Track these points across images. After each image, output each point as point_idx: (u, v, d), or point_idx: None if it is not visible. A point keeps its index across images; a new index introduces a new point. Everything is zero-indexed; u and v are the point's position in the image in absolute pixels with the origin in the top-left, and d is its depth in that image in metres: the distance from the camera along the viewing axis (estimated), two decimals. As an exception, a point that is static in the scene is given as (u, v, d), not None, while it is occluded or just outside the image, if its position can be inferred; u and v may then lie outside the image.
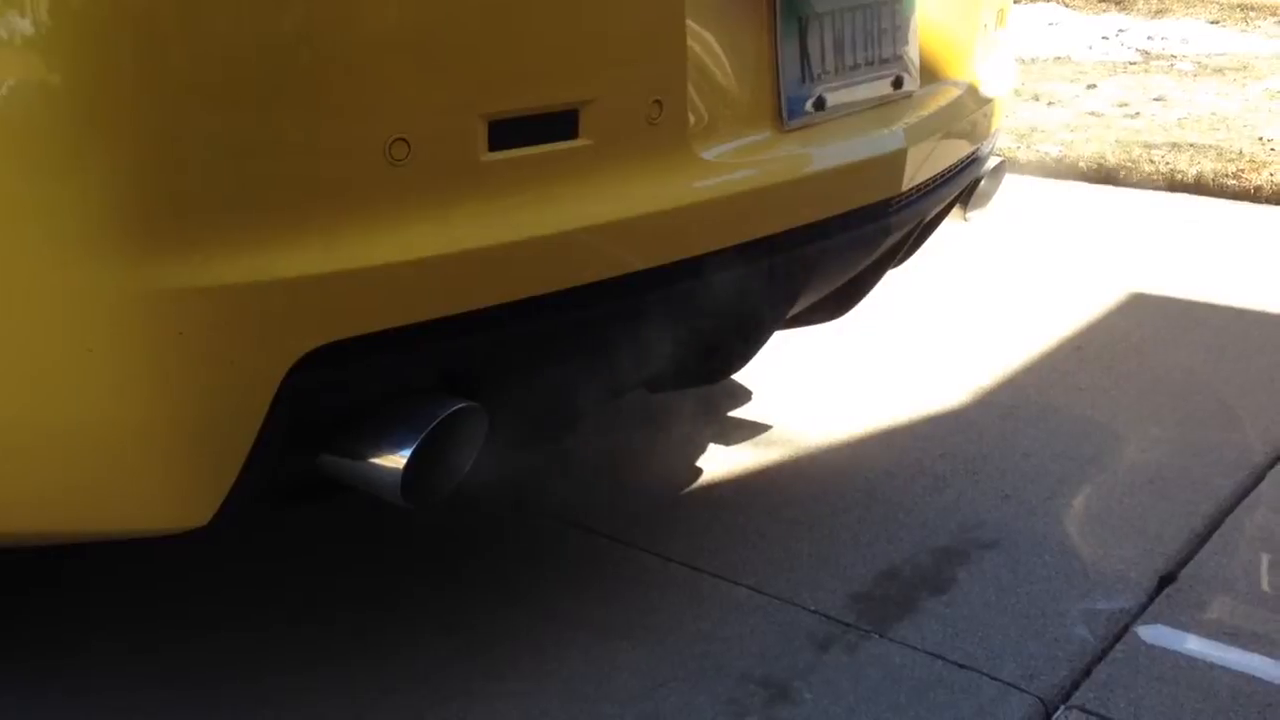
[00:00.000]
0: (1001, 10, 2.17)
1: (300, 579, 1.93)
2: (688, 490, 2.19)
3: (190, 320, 1.19)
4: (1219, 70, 5.98)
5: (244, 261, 1.19)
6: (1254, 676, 1.66)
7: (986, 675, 1.67)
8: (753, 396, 2.54)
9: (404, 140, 1.24)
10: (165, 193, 1.16)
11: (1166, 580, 1.88)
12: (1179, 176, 4.07)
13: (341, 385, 1.31)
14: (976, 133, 2.04)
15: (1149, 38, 6.85)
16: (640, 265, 1.45)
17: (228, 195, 1.18)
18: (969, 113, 1.99)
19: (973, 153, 2.06)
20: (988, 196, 2.25)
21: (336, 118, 1.22)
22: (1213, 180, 4.00)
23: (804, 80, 1.65)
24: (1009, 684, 1.65)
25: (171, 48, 1.14)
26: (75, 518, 1.35)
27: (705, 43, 1.50)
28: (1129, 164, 4.21)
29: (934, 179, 1.91)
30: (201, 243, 1.18)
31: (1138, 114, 5.07)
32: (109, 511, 1.33)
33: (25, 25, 1.13)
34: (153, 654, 1.75)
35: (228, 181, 1.18)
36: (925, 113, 1.86)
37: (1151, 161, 4.22)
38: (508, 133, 1.31)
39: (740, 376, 2.59)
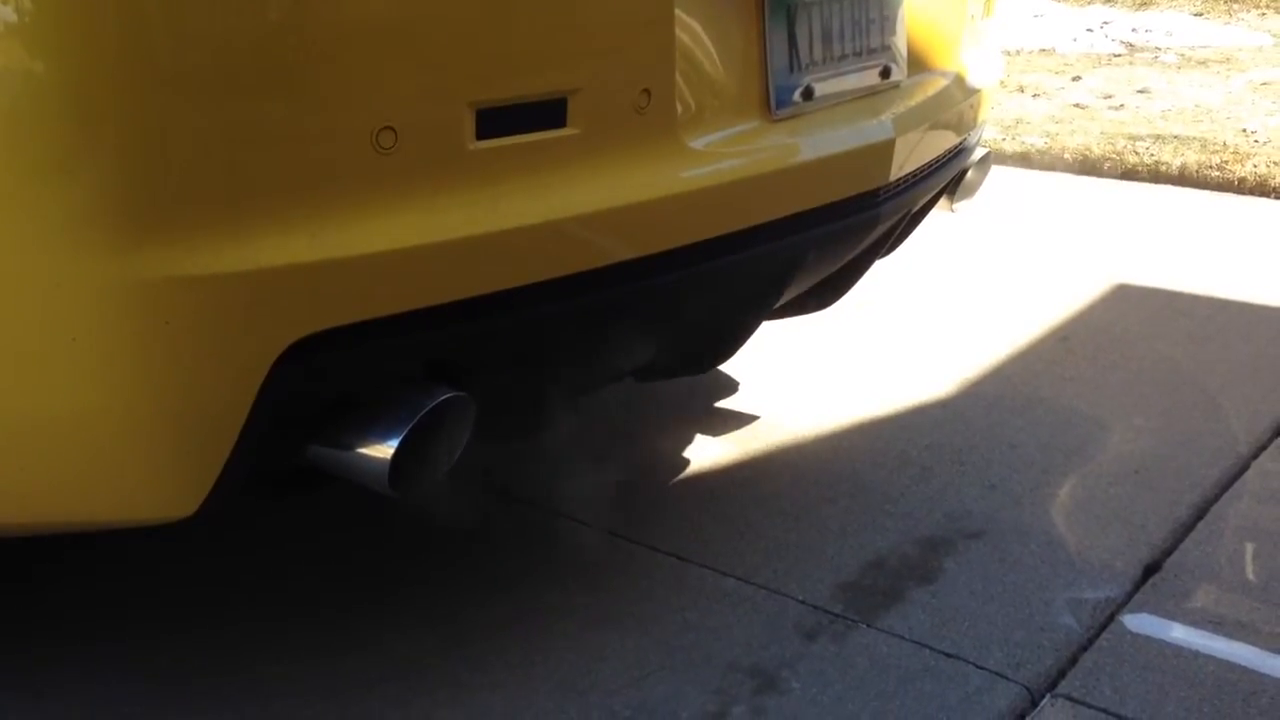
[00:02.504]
0: (989, 1, 2.17)
1: (286, 572, 1.93)
2: (675, 481, 2.19)
3: (176, 310, 1.18)
4: (1203, 62, 6.00)
5: (230, 250, 1.18)
6: (1238, 664, 1.67)
7: (973, 664, 1.68)
8: (740, 387, 2.54)
9: (391, 129, 1.24)
10: (151, 181, 1.15)
11: (1152, 569, 1.89)
12: (1163, 168, 4.08)
13: (328, 375, 1.31)
14: (963, 123, 2.04)
15: (1133, 30, 6.87)
16: (628, 254, 1.45)
17: (214, 184, 1.17)
18: (956, 103, 1.99)
19: (959, 143, 2.06)
20: (974, 187, 2.25)
21: (323, 106, 1.21)
22: (1196, 172, 4.02)
23: (792, 70, 1.65)
24: (995, 673, 1.66)
25: (157, 36, 1.13)
26: (60, 509, 1.34)
27: (693, 32, 1.50)
28: (1113, 156, 4.22)
29: (921, 169, 1.91)
30: (187, 231, 1.17)
31: (1122, 106, 5.09)
32: (94, 502, 1.32)
33: (8, 13, 1.12)
34: (140, 647, 1.74)
35: (214, 170, 1.17)
36: (913, 103, 1.86)
37: (1136, 153, 4.24)
38: (495, 121, 1.30)
39: (727, 367, 2.59)
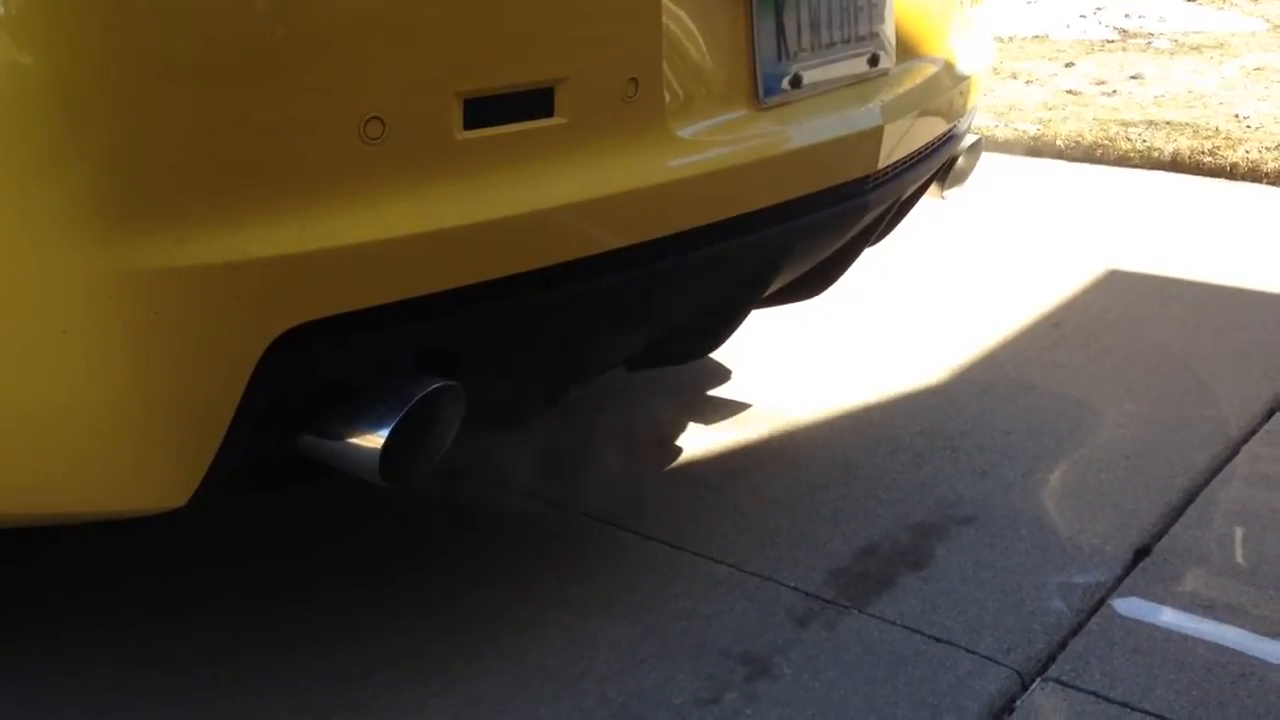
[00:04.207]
0: (977, -13, 2.17)
1: (281, 562, 1.93)
2: (667, 469, 2.19)
3: (166, 300, 1.18)
4: (1196, 48, 6.00)
5: (219, 241, 1.19)
6: (1227, 647, 1.68)
7: (964, 649, 1.68)
8: (731, 375, 2.54)
9: (379, 119, 1.24)
10: (139, 173, 1.15)
11: (1142, 553, 1.90)
12: (1155, 154, 4.08)
13: (318, 365, 1.31)
14: (953, 110, 2.04)
15: (1126, 16, 6.87)
16: (617, 243, 1.45)
17: (202, 175, 1.18)
18: (945, 90, 1.99)
19: (949, 130, 2.07)
20: (965, 174, 2.25)
21: (310, 96, 1.21)
22: (1189, 157, 4.02)
23: (780, 58, 1.65)
24: (986, 657, 1.67)
25: (144, 27, 1.14)
26: (51, 500, 1.34)
27: (680, 20, 1.50)
28: (1106, 142, 4.23)
29: (911, 156, 1.91)
30: (176, 222, 1.17)
31: (1115, 92, 5.09)
32: (85, 493, 1.32)
33: (-5, 5, 1.12)
34: (135, 636, 1.75)
35: (202, 161, 1.17)
36: (902, 90, 1.86)
37: (1128, 139, 4.24)
38: (483, 111, 1.31)
39: (719, 355, 2.59)
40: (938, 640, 1.70)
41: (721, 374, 2.55)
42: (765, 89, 1.63)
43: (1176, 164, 4.02)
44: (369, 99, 1.23)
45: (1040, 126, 4.47)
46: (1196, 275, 3.06)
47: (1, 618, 1.79)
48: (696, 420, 2.36)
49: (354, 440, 1.33)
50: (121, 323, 1.19)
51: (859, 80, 1.80)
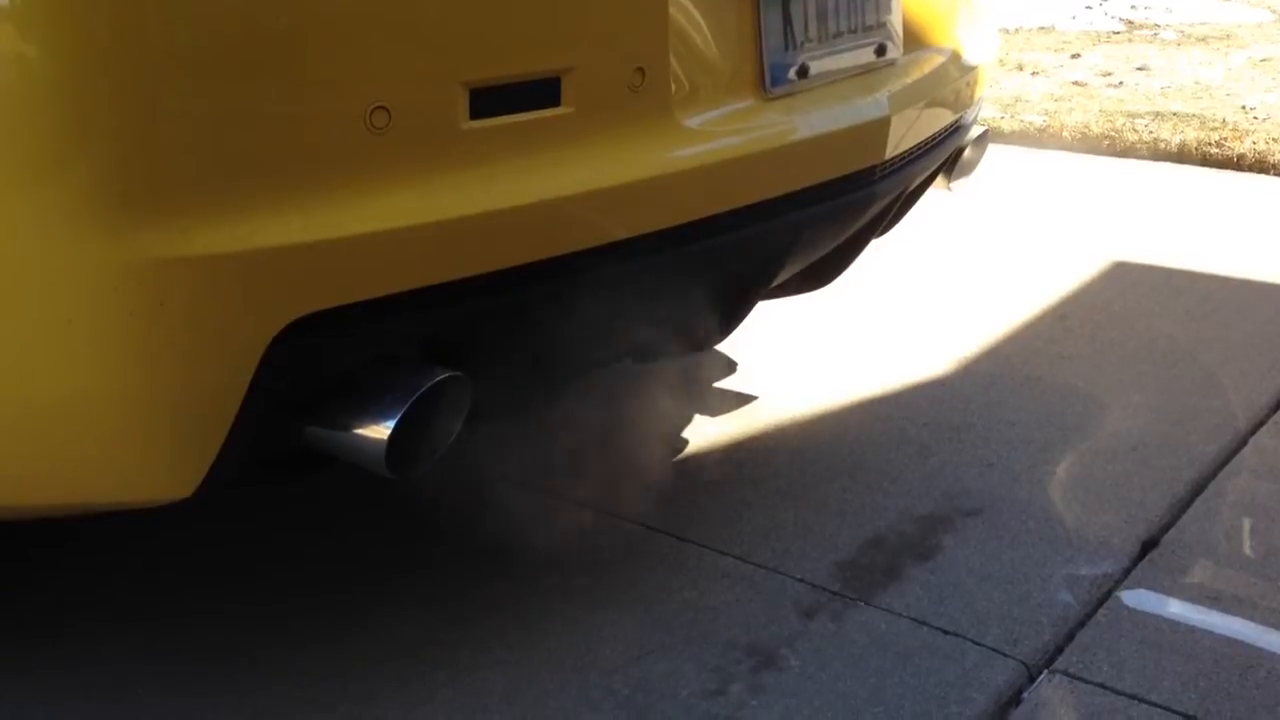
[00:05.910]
0: (985, -23, 2.16)
1: (286, 556, 1.93)
2: (673, 461, 2.19)
3: (172, 290, 1.18)
4: (1202, 39, 5.98)
5: (225, 231, 1.18)
6: (1235, 639, 1.67)
7: (970, 640, 1.68)
8: (737, 367, 2.54)
9: (384, 109, 1.24)
10: (145, 164, 1.15)
11: (1149, 545, 1.90)
12: (1162, 145, 4.07)
13: (324, 356, 1.31)
14: (960, 101, 2.04)
15: (1132, 7, 6.85)
16: (623, 233, 1.45)
17: (209, 165, 1.17)
18: (952, 81, 1.98)
19: (956, 121, 2.06)
20: (971, 165, 2.25)
21: (316, 86, 1.21)
22: (1196, 149, 4.01)
23: (787, 48, 1.64)
24: (993, 649, 1.66)
25: (150, 17, 1.13)
26: (58, 491, 1.34)
27: (687, 10, 1.49)
28: (1112, 133, 4.21)
29: (917, 147, 1.90)
30: (182, 212, 1.17)
31: (1121, 83, 5.07)
32: (92, 485, 1.32)
33: (0, -3, 1.12)
34: (141, 632, 1.75)
35: (208, 151, 1.17)
36: (908, 81, 1.86)
37: (1135, 130, 4.22)
38: (489, 100, 1.30)
39: (725, 347, 2.59)
40: (944, 632, 1.70)
41: (727, 366, 2.54)
42: (772, 79, 1.62)
43: (1183, 155, 4.01)
44: (375, 89, 1.23)
45: (1047, 118, 4.45)
46: (1203, 267, 3.05)
47: (4, 614, 1.79)
48: (702, 412, 2.35)
49: (360, 431, 1.33)
50: (127, 313, 1.19)
51: (866, 71, 1.80)
